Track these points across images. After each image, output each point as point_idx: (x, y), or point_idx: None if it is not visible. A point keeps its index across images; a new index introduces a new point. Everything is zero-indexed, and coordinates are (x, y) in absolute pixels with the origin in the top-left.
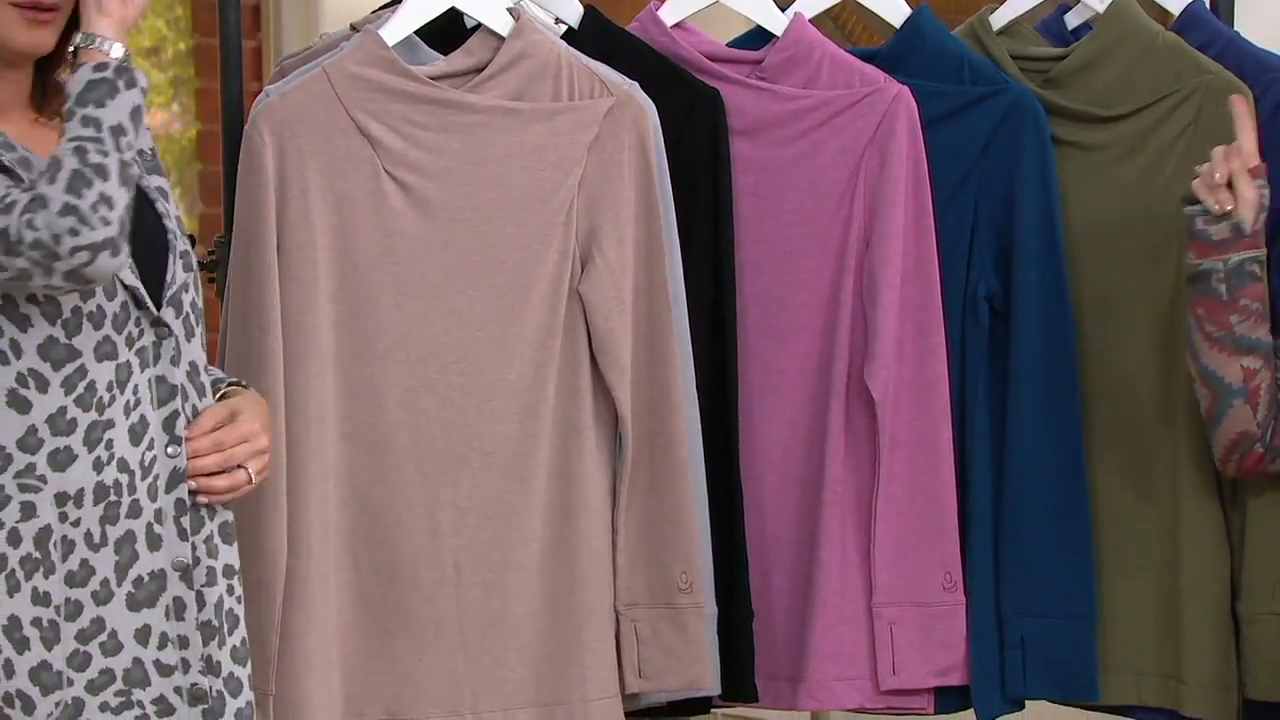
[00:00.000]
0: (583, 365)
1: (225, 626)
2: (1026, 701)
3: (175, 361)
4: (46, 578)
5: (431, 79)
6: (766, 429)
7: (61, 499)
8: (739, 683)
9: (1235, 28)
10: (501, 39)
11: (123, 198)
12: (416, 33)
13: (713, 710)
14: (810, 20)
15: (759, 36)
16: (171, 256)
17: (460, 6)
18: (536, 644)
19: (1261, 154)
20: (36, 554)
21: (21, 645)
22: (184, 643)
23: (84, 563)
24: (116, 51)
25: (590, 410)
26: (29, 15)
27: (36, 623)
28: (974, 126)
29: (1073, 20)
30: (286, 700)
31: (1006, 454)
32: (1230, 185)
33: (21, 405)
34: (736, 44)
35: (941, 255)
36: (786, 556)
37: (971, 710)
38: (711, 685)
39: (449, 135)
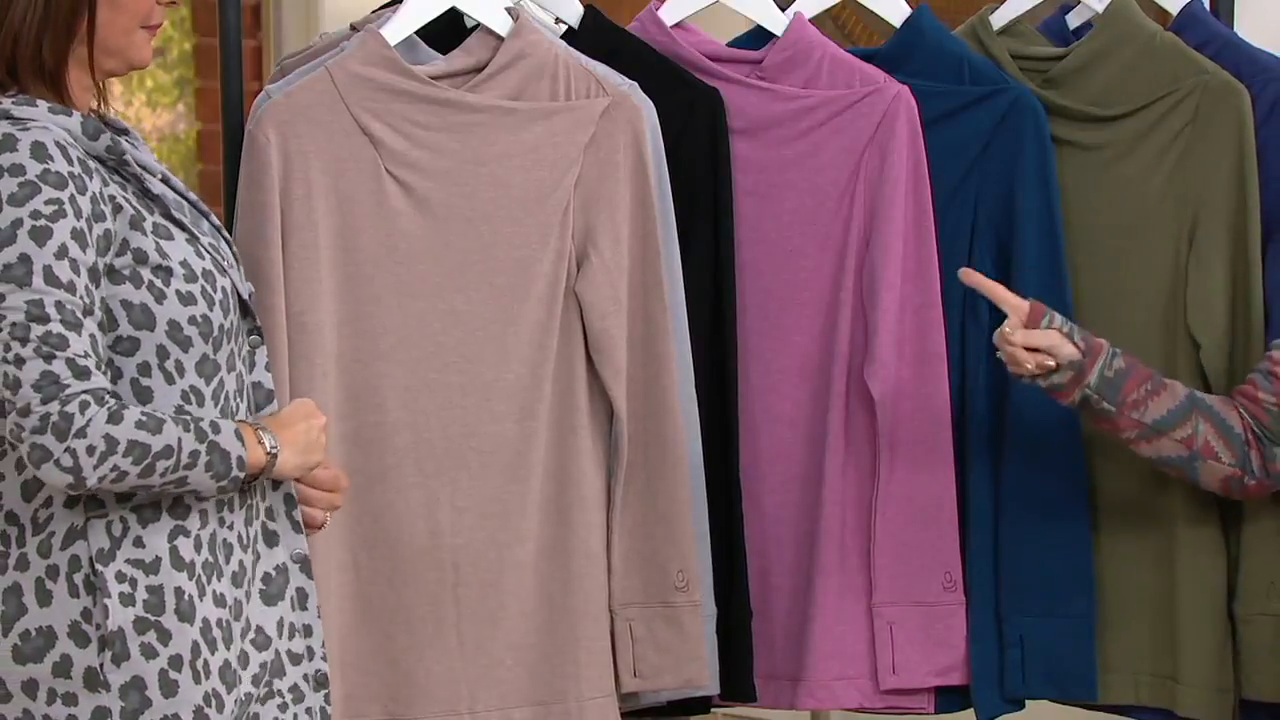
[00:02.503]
0: (578, 365)
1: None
2: (1026, 701)
3: (268, 367)
4: (219, 580)
5: (432, 79)
6: (766, 429)
7: (219, 505)
8: (738, 683)
9: (1235, 28)
10: (500, 39)
11: (123, 482)
12: (416, 33)
13: (713, 710)
14: (810, 20)
15: (759, 36)
16: (240, 264)
17: (460, 6)
18: (532, 643)
19: (1259, 154)
20: (211, 558)
21: (213, 646)
22: (308, 631)
23: (241, 564)
24: (259, 461)
25: (586, 410)
26: (151, 34)
27: (220, 623)
28: (974, 126)
29: (1074, 20)
30: None
31: (1006, 454)
32: (1030, 349)
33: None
34: (736, 44)
35: (941, 255)
36: (786, 556)
37: (971, 710)
38: (709, 684)
39: (449, 135)
